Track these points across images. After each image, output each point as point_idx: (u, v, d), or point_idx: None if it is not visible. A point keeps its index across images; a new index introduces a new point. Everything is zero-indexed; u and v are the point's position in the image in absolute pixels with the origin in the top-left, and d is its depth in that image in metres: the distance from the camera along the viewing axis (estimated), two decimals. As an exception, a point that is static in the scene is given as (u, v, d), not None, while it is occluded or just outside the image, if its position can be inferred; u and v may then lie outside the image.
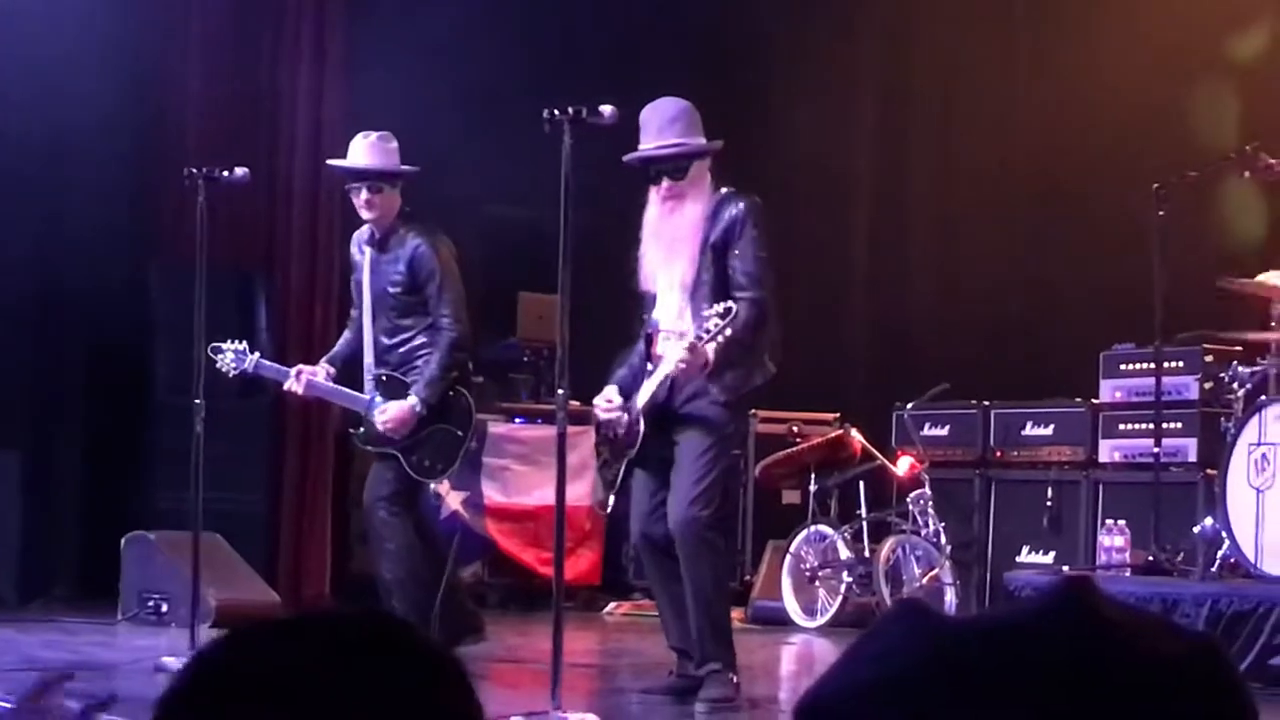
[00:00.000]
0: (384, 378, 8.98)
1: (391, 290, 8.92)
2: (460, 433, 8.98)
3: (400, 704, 1.48)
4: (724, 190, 7.80)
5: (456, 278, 8.95)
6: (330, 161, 9.18)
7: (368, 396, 9.02)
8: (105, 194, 11.79)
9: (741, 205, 7.73)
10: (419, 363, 8.93)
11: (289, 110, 12.47)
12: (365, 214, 8.96)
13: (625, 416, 7.80)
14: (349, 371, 9.15)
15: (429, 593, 8.81)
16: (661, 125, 7.78)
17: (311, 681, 1.46)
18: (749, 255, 7.66)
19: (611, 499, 8.05)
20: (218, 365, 9.16)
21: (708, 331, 7.29)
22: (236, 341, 9.28)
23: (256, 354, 9.28)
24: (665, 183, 7.74)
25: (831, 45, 14.12)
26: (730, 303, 7.35)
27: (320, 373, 9.08)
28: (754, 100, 13.61)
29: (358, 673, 1.47)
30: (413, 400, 8.83)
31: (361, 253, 9.09)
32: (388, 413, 8.85)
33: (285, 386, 9.18)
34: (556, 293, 7.08)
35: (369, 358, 9.05)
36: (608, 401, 7.86)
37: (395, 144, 9.04)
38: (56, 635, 9.76)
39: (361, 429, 9.08)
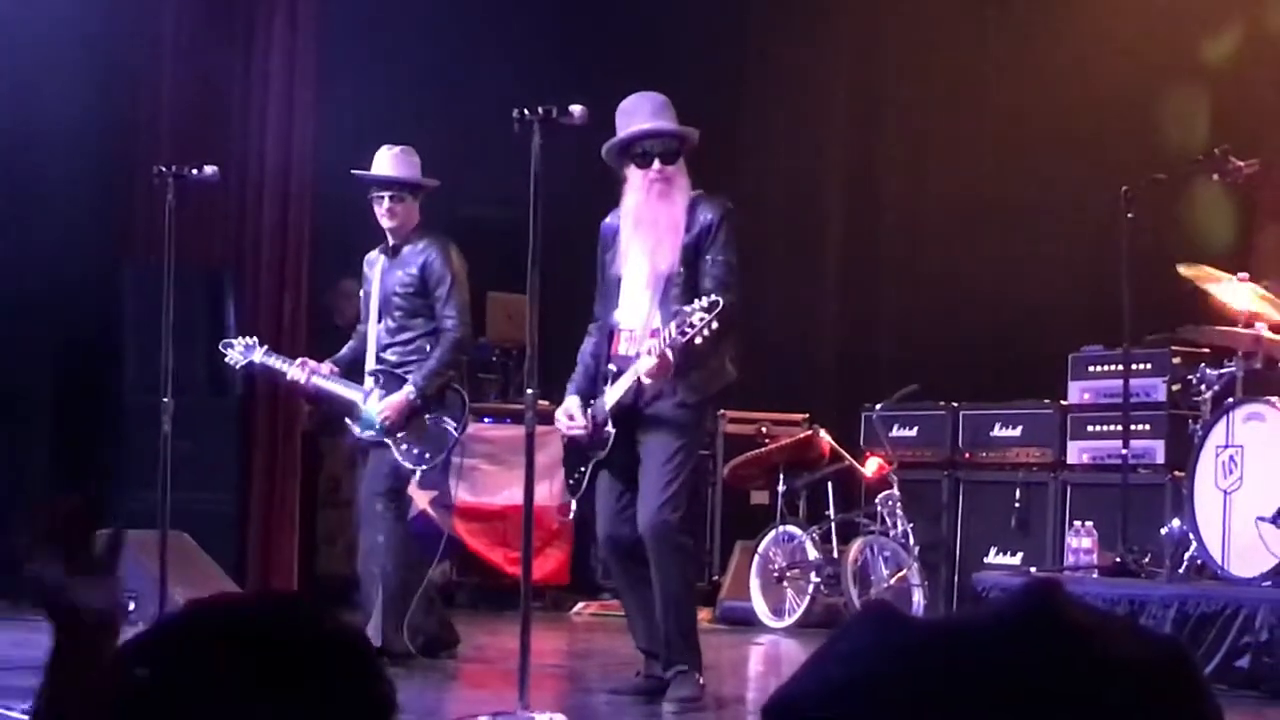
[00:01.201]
0: (383, 374, 9.09)
1: (400, 291, 9.08)
2: (453, 424, 9.07)
3: (306, 689, 1.48)
4: (695, 194, 7.77)
5: (465, 285, 9.15)
6: (356, 171, 9.27)
7: (366, 389, 9.15)
8: (76, 193, 11.74)
9: (714, 210, 7.70)
10: (417, 361, 9.04)
11: (259, 111, 12.44)
12: (386, 222, 9.13)
13: (589, 428, 7.78)
14: (350, 377, 9.28)
15: (409, 592, 8.90)
16: (655, 109, 7.77)
17: (217, 676, 1.46)
18: (719, 259, 7.62)
19: (574, 504, 8.03)
20: (228, 359, 9.49)
21: (691, 325, 7.19)
22: (246, 336, 9.56)
23: (264, 347, 9.50)
24: (657, 165, 7.70)
25: (802, 51, 14.12)
26: (716, 296, 7.29)
27: (324, 368, 9.25)
28: (725, 107, 13.60)
29: (259, 661, 1.47)
30: (409, 389, 8.96)
31: (372, 265, 9.24)
32: (384, 401, 8.97)
33: (288, 375, 9.33)
34: (525, 293, 7.07)
35: (369, 357, 9.19)
36: (569, 417, 7.85)
37: (418, 159, 9.21)
38: (24, 634, 9.69)
39: (358, 421, 9.17)
